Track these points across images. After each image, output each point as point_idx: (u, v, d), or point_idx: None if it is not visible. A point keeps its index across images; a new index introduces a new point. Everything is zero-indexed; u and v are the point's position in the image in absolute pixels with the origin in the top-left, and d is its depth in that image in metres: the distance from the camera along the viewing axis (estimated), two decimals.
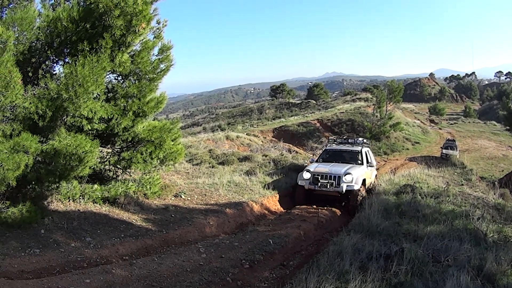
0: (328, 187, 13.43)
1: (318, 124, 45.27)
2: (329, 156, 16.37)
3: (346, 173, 13.44)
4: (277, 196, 13.99)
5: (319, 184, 13.57)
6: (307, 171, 14.12)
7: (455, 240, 7.11)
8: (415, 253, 6.25)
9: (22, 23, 7.19)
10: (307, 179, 13.89)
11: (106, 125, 8.78)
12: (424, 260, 6.13)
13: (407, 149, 41.23)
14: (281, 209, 13.54)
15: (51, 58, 8.20)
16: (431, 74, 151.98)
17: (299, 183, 14.13)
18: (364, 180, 14.25)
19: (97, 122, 8.37)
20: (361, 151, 15.98)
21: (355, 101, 60.50)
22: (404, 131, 44.98)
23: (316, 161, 16.21)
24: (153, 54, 9.51)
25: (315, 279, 5.25)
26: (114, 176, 10.45)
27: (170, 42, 9.69)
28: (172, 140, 10.61)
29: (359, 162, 15.46)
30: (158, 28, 9.50)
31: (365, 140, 17.99)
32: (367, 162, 15.72)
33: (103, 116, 8.38)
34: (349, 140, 17.56)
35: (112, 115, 8.66)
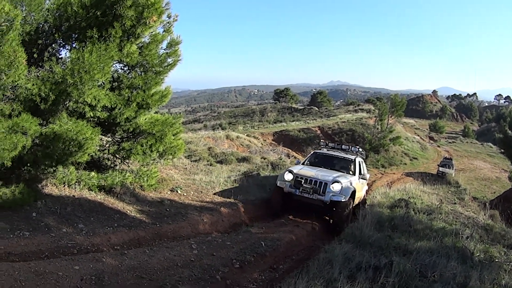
0: (311, 194, 11.53)
1: (319, 131, 45.20)
2: (318, 161, 14.47)
3: (335, 181, 11.51)
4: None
5: (301, 189, 11.69)
6: (289, 172, 12.19)
7: (443, 257, 7.14)
8: (404, 266, 6.26)
9: (30, 3, 7.07)
10: (287, 181, 12.00)
11: (108, 114, 8.67)
12: (411, 274, 6.15)
13: (405, 164, 41.28)
14: None
15: (58, 41, 8.08)
16: (434, 92, 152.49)
17: (277, 184, 12.21)
18: (353, 193, 12.19)
19: (99, 110, 8.25)
20: (354, 160, 14.05)
21: (357, 111, 60.55)
22: (403, 145, 45.04)
23: (302, 164, 14.28)
24: (162, 47, 9.42)
25: (304, 284, 5.21)
26: (112, 165, 10.32)
27: (179, 37, 9.60)
28: (173, 135, 10.52)
29: (351, 172, 13.59)
30: (168, 22, 9.39)
31: (360, 149, 15.77)
32: (360, 173, 13.82)
33: (106, 105, 8.27)
34: (343, 147, 15.64)
35: (115, 105, 8.56)
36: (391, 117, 42.51)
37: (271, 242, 8.16)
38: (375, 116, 45.20)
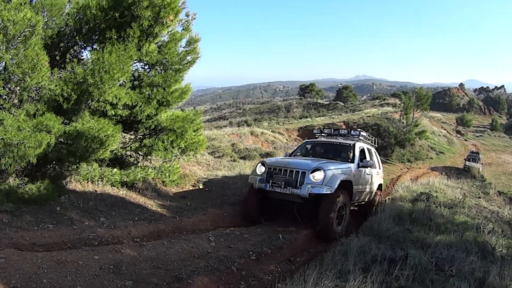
0: (283, 187, 8.83)
1: (344, 126, 44.65)
2: (310, 150, 12.03)
3: (315, 169, 8.79)
4: None
5: (271, 182, 9.07)
6: (261, 164, 9.75)
7: (462, 251, 6.98)
8: (419, 259, 6.17)
9: (51, 9, 7.37)
10: (259, 175, 9.49)
11: (129, 111, 8.95)
12: (427, 267, 6.03)
13: (431, 158, 40.55)
14: None
15: (80, 43, 8.41)
16: (461, 85, 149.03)
17: (249, 181, 9.91)
18: (348, 185, 9.63)
19: (121, 108, 8.52)
20: (353, 146, 11.04)
21: (383, 105, 59.76)
22: (429, 140, 44.26)
23: (290, 156, 11.88)
24: (181, 45, 9.64)
25: (315, 276, 5.25)
26: (135, 162, 10.60)
27: (197, 35, 9.83)
28: (194, 131, 10.73)
29: (349, 159, 10.63)
30: (186, 21, 9.63)
31: (363, 133, 12.48)
32: (360, 160, 10.63)
33: (127, 103, 8.55)
34: (341, 132, 12.44)
35: (136, 103, 8.83)
36: (416, 111, 41.86)
37: (289, 235, 8.22)
38: (400, 110, 44.44)
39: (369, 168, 11.04)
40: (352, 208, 11.10)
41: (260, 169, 9.62)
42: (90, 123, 7.62)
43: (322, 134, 12.78)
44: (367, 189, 11.28)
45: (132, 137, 10.39)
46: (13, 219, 6.45)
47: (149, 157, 10.63)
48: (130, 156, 10.64)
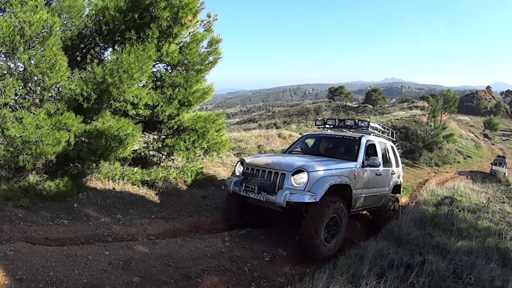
0: (256, 192, 7.24)
1: None
2: (310, 146, 10.16)
3: (298, 169, 7.05)
4: None
5: (244, 185, 7.52)
6: (240, 163, 8.22)
7: (482, 258, 6.65)
8: (437, 266, 5.89)
9: (70, 11, 7.40)
10: (236, 177, 8.10)
11: (151, 111, 8.96)
12: (444, 274, 5.74)
13: (458, 162, 39.72)
14: None
15: (100, 44, 8.43)
16: (488, 87, 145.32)
17: (226, 182, 8.32)
18: (346, 190, 7.81)
19: (142, 108, 8.56)
20: (359, 139, 8.96)
21: (411, 108, 58.97)
22: (457, 143, 43.41)
23: (285, 152, 10.25)
24: (202, 46, 9.61)
25: (324, 280, 5.10)
26: (158, 161, 10.65)
27: (219, 36, 9.78)
28: (216, 131, 10.69)
29: (352, 157, 8.51)
30: (208, 22, 9.61)
31: (374, 124, 10.31)
32: (367, 158, 8.63)
33: (148, 103, 8.57)
34: (347, 123, 10.14)
35: (157, 103, 8.86)
36: (444, 113, 41.12)
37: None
38: (428, 113, 43.68)
39: (380, 167, 9.10)
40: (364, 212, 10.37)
41: (239, 169, 8.15)
42: (110, 122, 7.65)
43: (326, 126, 10.62)
44: (377, 193, 9.32)
45: (156, 137, 10.45)
46: (29, 214, 6.53)
47: (171, 157, 10.66)
48: (153, 155, 10.70)
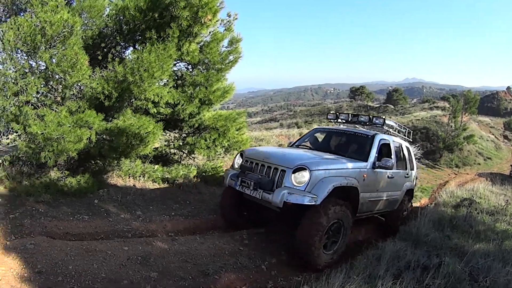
0: (252, 189, 6.49)
1: None
2: (321, 141, 9.13)
3: (299, 167, 6.17)
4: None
5: (240, 180, 6.79)
6: (240, 155, 7.45)
7: (499, 260, 6.44)
8: (453, 268, 5.72)
9: (90, 11, 7.40)
10: (234, 169, 7.38)
11: (172, 110, 8.93)
12: (460, 277, 5.58)
13: (479, 164, 38.75)
14: None
15: (121, 44, 8.45)
16: (508, 88, 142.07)
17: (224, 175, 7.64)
18: (351, 192, 6.91)
19: (163, 107, 8.52)
20: (372, 138, 8.05)
21: (432, 109, 58.03)
22: (477, 144, 42.49)
23: (292, 145, 9.19)
24: (223, 45, 9.54)
25: (340, 280, 4.98)
26: (178, 159, 10.63)
27: (239, 35, 9.68)
28: (237, 130, 10.60)
29: (363, 156, 7.61)
30: (228, 21, 9.54)
31: (390, 122, 9.38)
32: (378, 159, 7.70)
33: (169, 101, 8.54)
34: (361, 118, 9.21)
35: (178, 101, 8.81)
36: (464, 114, 40.38)
37: None
38: (449, 114, 42.85)
39: (392, 169, 8.17)
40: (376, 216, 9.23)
41: (238, 161, 7.37)
42: (131, 120, 7.66)
43: (338, 121, 9.66)
44: (387, 197, 8.43)
45: (177, 135, 10.44)
46: (49, 209, 6.53)
47: (192, 155, 10.62)
48: (174, 153, 10.67)
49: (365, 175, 7.19)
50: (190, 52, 8.71)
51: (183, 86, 9.20)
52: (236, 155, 7.58)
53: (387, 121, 9.05)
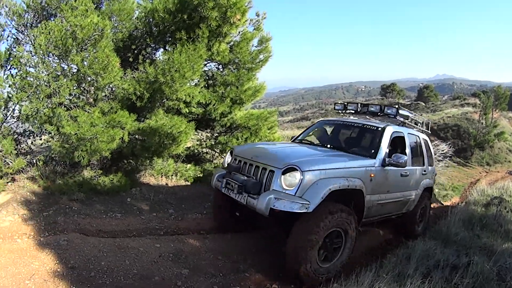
0: (236, 192, 5.40)
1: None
2: (326, 135, 7.74)
3: (289, 167, 5.04)
4: None
5: (226, 181, 5.72)
6: (230, 152, 6.47)
7: None
8: (481, 267, 5.50)
9: (120, 14, 7.42)
10: (223, 169, 6.39)
11: (203, 109, 8.85)
12: (489, 276, 5.36)
13: (509, 161, 37.18)
14: None
15: (151, 45, 8.44)
16: None
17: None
18: (355, 195, 5.70)
19: (195, 107, 8.45)
20: (383, 130, 6.66)
21: (463, 106, 56.54)
22: (507, 142, 41.12)
23: (294, 140, 7.86)
24: (252, 45, 9.41)
25: (370, 278, 4.79)
26: (211, 158, 10.56)
27: (269, 34, 9.53)
28: (268, 129, 10.44)
29: (370, 152, 6.31)
30: (257, 20, 9.42)
31: (404, 112, 7.82)
32: (389, 155, 6.37)
33: (201, 101, 8.47)
34: (371, 108, 7.88)
35: (209, 101, 8.73)
36: (495, 110, 39.15)
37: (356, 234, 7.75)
38: (480, 110, 41.57)
39: (407, 166, 6.65)
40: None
41: (227, 160, 6.39)
42: (163, 120, 7.63)
43: (347, 112, 8.31)
44: (401, 198, 7.12)
45: (209, 134, 10.38)
46: (83, 207, 6.55)
47: (224, 154, 10.58)
48: (206, 153, 10.60)
49: (372, 175, 5.95)
50: (220, 52, 8.61)
51: (214, 86, 9.10)
52: (227, 151, 6.69)
53: (401, 111, 7.60)
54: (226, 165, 6.25)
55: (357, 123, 7.31)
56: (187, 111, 8.37)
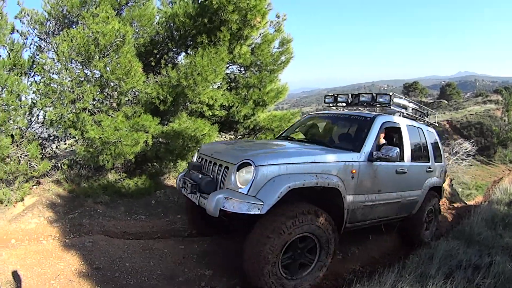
0: (189, 191, 4.79)
1: (447, 126, 40.37)
2: (312, 130, 7.09)
3: (244, 162, 4.21)
4: None
5: (183, 180, 5.16)
6: (197, 151, 5.74)
7: None
8: (503, 267, 5.28)
9: (141, 19, 7.39)
10: (184, 170, 5.88)
11: (227, 112, 8.77)
12: (510, 276, 5.10)
13: None
14: None
15: (173, 50, 8.38)
16: None
17: None
18: (335, 196, 4.79)
19: (218, 109, 8.35)
20: (372, 120, 5.76)
21: (485, 103, 55.07)
22: None
23: (278, 137, 7.30)
24: (274, 46, 9.26)
25: (392, 278, 4.63)
26: None
27: (290, 35, 9.35)
28: None
29: (355, 145, 5.42)
30: (277, 22, 9.25)
31: (399, 100, 6.84)
32: (377, 148, 5.51)
33: (223, 104, 8.39)
34: (362, 98, 6.78)
35: (232, 103, 8.65)
36: None
37: (379, 236, 7.56)
38: (502, 107, 40.23)
39: (404, 161, 6.14)
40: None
41: (194, 158, 5.71)
42: (187, 123, 7.56)
43: (337, 105, 7.24)
44: (398, 199, 6.15)
45: (232, 136, 10.29)
46: (107, 210, 6.55)
47: None
48: None
49: (354, 171, 5.01)
50: (241, 55, 8.48)
51: (237, 88, 9.01)
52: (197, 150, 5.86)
53: (395, 99, 6.57)
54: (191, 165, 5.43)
55: (345, 114, 6.51)
56: (210, 113, 8.25)
